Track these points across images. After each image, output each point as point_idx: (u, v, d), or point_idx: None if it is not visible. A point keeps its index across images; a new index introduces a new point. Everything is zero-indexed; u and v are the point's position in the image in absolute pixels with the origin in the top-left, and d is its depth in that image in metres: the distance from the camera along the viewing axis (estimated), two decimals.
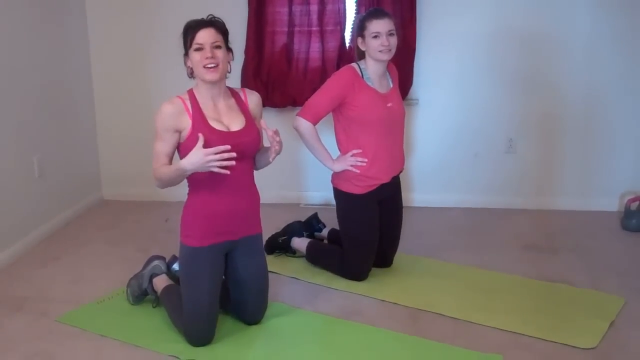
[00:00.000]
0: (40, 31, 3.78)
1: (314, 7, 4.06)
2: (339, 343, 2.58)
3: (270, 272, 2.79)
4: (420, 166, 4.27)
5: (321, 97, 3.00)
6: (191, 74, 2.53)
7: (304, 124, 2.98)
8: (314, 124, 2.99)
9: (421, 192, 4.32)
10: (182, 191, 2.60)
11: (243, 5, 4.08)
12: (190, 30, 2.45)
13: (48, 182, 3.83)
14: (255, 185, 2.64)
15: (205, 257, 2.50)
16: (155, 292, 2.83)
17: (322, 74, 4.04)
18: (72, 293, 3.03)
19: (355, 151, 3.01)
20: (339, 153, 3.10)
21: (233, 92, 2.61)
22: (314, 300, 2.94)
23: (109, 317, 2.79)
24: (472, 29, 4.05)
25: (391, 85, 3.12)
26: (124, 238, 3.78)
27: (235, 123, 2.51)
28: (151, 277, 2.85)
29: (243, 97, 2.62)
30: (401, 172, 3.23)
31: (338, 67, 3.92)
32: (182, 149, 2.46)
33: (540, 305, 2.86)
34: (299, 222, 3.50)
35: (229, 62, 2.52)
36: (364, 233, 3.06)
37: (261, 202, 2.67)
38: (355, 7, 4.03)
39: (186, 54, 2.48)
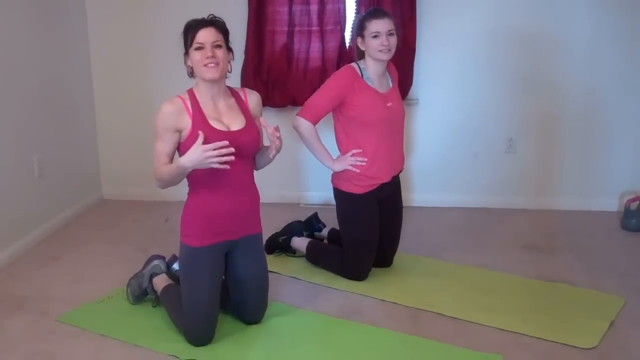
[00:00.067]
0: (40, 31, 3.78)
1: (314, 7, 4.05)
2: (339, 343, 2.58)
3: (270, 271, 2.79)
4: (420, 166, 4.28)
5: (321, 97, 3.00)
6: (191, 74, 2.53)
7: (303, 124, 2.98)
8: (314, 123, 2.99)
9: (421, 191, 4.32)
10: (182, 191, 2.60)
11: (243, 5, 4.08)
12: (191, 29, 2.45)
13: (48, 181, 3.83)
14: (255, 185, 2.64)
15: (205, 256, 2.50)
16: (155, 291, 2.83)
17: (322, 74, 4.04)
18: (72, 292, 3.03)
19: (355, 151, 3.01)
20: (338, 153, 3.10)
21: (233, 92, 2.62)
22: (314, 300, 2.94)
23: (109, 317, 2.79)
24: (472, 28, 4.05)
25: (391, 85, 3.12)
26: (124, 237, 3.78)
27: (236, 123, 2.51)
28: (151, 276, 2.85)
29: (243, 97, 2.62)
30: (401, 171, 3.23)
31: (338, 66, 3.92)
32: (182, 148, 2.46)
33: (540, 305, 2.87)
34: (299, 221, 3.51)
35: (229, 62, 2.52)
36: (364, 233, 3.06)
37: (261, 201, 2.67)
38: (355, 7, 4.02)
39: (186, 53, 2.48)
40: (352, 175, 3.02)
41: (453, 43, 4.09)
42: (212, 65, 2.42)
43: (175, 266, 2.86)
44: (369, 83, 3.00)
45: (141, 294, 2.87)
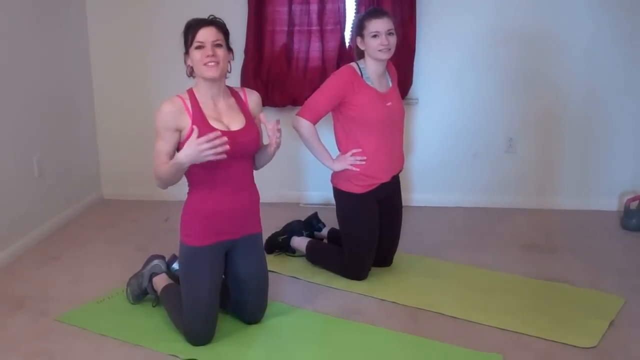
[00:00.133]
0: (41, 31, 3.78)
1: (314, 7, 4.06)
2: (338, 342, 2.58)
3: (270, 271, 2.79)
4: (420, 166, 4.28)
5: (321, 97, 3.00)
6: (191, 73, 2.53)
7: (303, 124, 2.98)
8: (314, 123, 2.99)
9: (421, 191, 4.32)
10: (182, 190, 2.60)
11: (243, 5, 4.08)
12: (192, 28, 2.45)
13: (48, 181, 3.83)
14: (255, 185, 2.64)
15: (205, 256, 2.50)
16: (155, 291, 2.83)
17: (322, 74, 4.04)
18: (72, 292, 3.03)
19: (355, 150, 3.01)
20: (338, 152, 3.10)
21: (233, 92, 2.62)
22: (313, 299, 2.94)
23: (108, 317, 2.79)
24: (472, 28, 4.05)
25: (390, 85, 3.12)
26: (123, 237, 3.78)
27: (235, 122, 2.51)
28: (151, 276, 2.85)
29: (243, 97, 2.62)
30: (401, 171, 3.23)
31: (338, 66, 3.92)
32: (182, 147, 2.45)
33: (540, 305, 2.87)
34: (299, 221, 3.51)
35: (229, 62, 2.52)
36: (364, 232, 3.05)
37: (261, 201, 2.67)
38: (355, 7, 4.02)
39: (186, 53, 2.48)
40: (352, 174, 3.02)
41: (453, 43, 4.09)
42: (213, 64, 2.42)
43: (175, 266, 2.86)
44: (369, 83, 3.00)
45: (141, 293, 2.87)
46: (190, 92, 2.50)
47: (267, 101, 4.07)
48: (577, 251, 3.51)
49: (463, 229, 3.91)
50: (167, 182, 2.45)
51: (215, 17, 2.50)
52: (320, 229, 3.55)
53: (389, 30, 2.94)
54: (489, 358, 2.44)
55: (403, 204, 3.27)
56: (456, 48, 4.10)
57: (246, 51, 4.10)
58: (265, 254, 2.76)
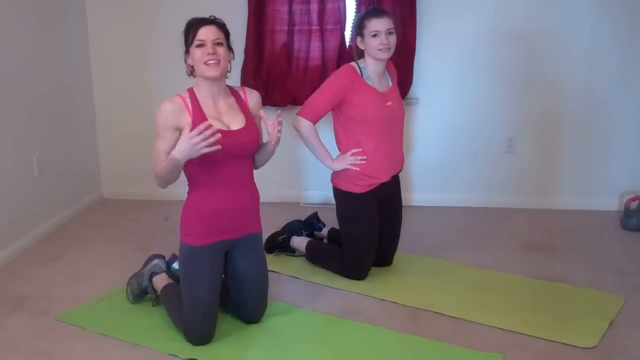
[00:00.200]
0: (40, 30, 3.77)
1: (314, 6, 4.06)
2: (338, 342, 2.58)
3: (270, 271, 2.79)
4: (420, 165, 4.28)
5: (321, 96, 3.00)
6: (191, 73, 2.53)
7: (304, 123, 2.98)
8: (314, 123, 2.99)
9: (421, 191, 4.32)
10: (182, 190, 2.60)
11: (243, 4, 4.08)
12: (192, 27, 2.45)
13: (48, 180, 3.82)
14: (254, 184, 2.64)
15: (205, 256, 2.50)
16: (155, 291, 2.83)
17: (322, 73, 4.04)
18: (72, 292, 3.03)
19: (355, 150, 3.01)
20: (338, 152, 3.10)
21: (233, 91, 2.61)
22: (313, 299, 2.94)
23: (108, 316, 2.78)
24: (472, 28, 4.05)
25: (390, 84, 3.12)
26: (123, 237, 3.78)
27: (236, 122, 2.51)
28: (151, 275, 2.85)
29: (243, 96, 2.62)
30: (401, 171, 3.23)
31: (338, 66, 3.92)
32: None
33: (540, 305, 2.87)
34: (299, 221, 3.50)
35: (229, 62, 2.52)
36: (364, 232, 3.05)
37: (261, 200, 2.67)
38: (355, 6, 4.02)
39: (187, 52, 2.48)
40: (352, 174, 3.02)
41: (453, 42, 4.09)
42: (213, 62, 2.42)
43: (175, 265, 2.86)
44: (369, 82, 3.00)
45: (141, 293, 2.87)
46: (191, 92, 2.50)
47: (268, 101, 4.07)
48: (577, 251, 3.51)
49: (463, 228, 3.91)
50: (165, 180, 2.45)
51: (216, 18, 2.50)
52: (320, 229, 3.55)
53: (388, 29, 2.94)
54: (489, 358, 2.44)
55: (403, 203, 3.27)
56: (456, 48, 4.10)
57: (246, 51, 4.10)
58: (265, 253, 2.76)
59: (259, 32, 4.10)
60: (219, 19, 2.50)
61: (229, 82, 2.60)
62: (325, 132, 3.15)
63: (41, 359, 2.46)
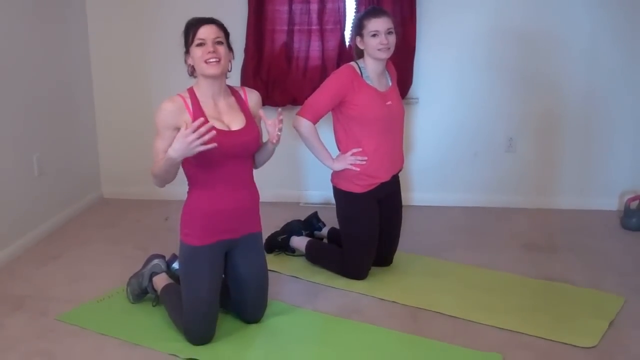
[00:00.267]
0: (40, 30, 3.77)
1: (314, 6, 4.06)
2: (338, 342, 2.58)
3: (270, 270, 2.79)
4: (420, 165, 4.28)
5: (321, 96, 3.00)
6: (192, 73, 2.53)
7: (304, 123, 2.98)
8: (314, 123, 2.99)
9: (421, 191, 4.32)
10: (182, 190, 2.60)
11: (243, 4, 4.07)
12: (192, 27, 2.45)
13: (48, 180, 3.82)
14: (254, 184, 2.64)
15: (205, 255, 2.50)
16: (155, 290, 2.83)
17: (322, 73, 4.04)
18: (72, 292, 3.03)
19: (355, 150, 3.01)
20: (338, 152, 3.10)
21: (233, 91, 2.61)
22: (313, 299, 2.94)
23: (109, 316, 2.79)
24: (472, 27, 4.05)
25: (390, 84, 3.12)
26: (123, 236, 3.78)
27: (236, 122, 2.50)
28: (151, 275, 2.85)
29: (243, 96, 2.62)
30: (400, 170, 3.23)
31: (338, 65, 3.92)
32: None
33: (540, 304, 2.87)
34: (299, 220, 3.50)
35: (230, 62, 2.52)
36: (364, 232, 3.05)
37: (261, 200, 2.67)
38: (355, 6, 4.02)
39: (187, 52, 2.48)
40: (352, 174, 3.02)
41: (453, 42, 4.09)
42: (214, 61, 2.42)
43: (175, 265, 2.86)
44: (369, 82, 3.00)
45: (141, 293, 2.87)
46: (191, 91, 2.50)
47: (267, 100, 4.06)
48: (577, 251, 3.51)
49: (463, 228, 3.91)
50: (163, 179, 2.45)
51: (215, 19, 2.50)
52: (320, 229, 3.55)
53: (388, 29, 2.94)
54: (489, 357, 2.44)
55: (403, 203, 3.27)
56: (456, 47, 4.10)
57: (246, 50, 4.10)
58: (265, 253, 2.76)
59: (259, 31, 4.10)
60: (218, 20, 2.50)
61: (229, 82, 2.60)
62: (326, 132, 3.15)
63: (41, 358, 2.46)
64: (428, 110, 4.20)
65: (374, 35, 2.92)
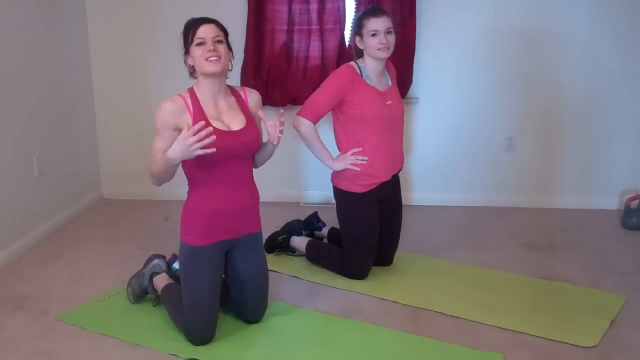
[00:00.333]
0: (40, 29, 3.77)
1: (314, 6, 4.06)
2: (339, 342, 2.58)
3: (270, 270, 2.79)
4: (420, 165, 4.28)
5: (321, 96, 2.99)
6: (192, 73, 2.53)
7: (304, 123, 2.98)
8: (314, 122, 2.99)
9: (421, 190, 4.33)
10: (182, 190, 2.60)
11: (243, 4, 4.07)
12: (191, 26, 2.45)
13: (48, 180, 3.82)
14: (254, 184, 2.63)
15: (205, 255, 2.50)
16: (155, 290, 2.83)
17: (322, 73, 4.04)
18: (73, 292, 3.03)
19: (355, 149, 3.01)
20: (338, 152, 3.10)
21: (233, 91, 2.61)
22: (314, 299, 2.94)
23: (109, 316, 2.78)
24: (471, 27, 4.05)
25: (390, 84, 3.12)
26: (124, 236, 3.78)
27: (236, 122, 2.50)
28: (151, 275, 2.85)
29: (243, 96, 2.61)
30: (401, 170, 3.23)
31: (338, 65, 3.91)
32: None
33: (540, 304, 2.87)
34: (299, 220, 3.50)
35: (230, 61, 2.52)
36: (364, 232, 3.05)
37: (261, 200, 2.67)
38: (355, 6, 4.02)
39: (187, 52, 2.48)
40: (352, 174, 3.02)
41: (453, 42, 4.09)
42: (214, 58, 2.41)
43: (176, 265, 2.86)
44: (368, 81, 3.00)
45: (141, 293, 2.87)
46: (191, 91, 2.50)
47: (267, 100, 4.06)
48: (577, 250, 3.51)
49: (463, 228, 3.91)
50: (160, 179, 2.45)
51: (214, 19, 2.50)
52: (320, 229, 3.55)
53: (387, 28, 2.94)
54: (490, 357, 2.44)
55: (403, 203, 3.27)
56: (456, 47, 4.10)
57: (246, 50, 4.10)
58: (265, 253, 2.76)
59: (259, 31, 4.10)
60: (216, 19, 2.50)
61: (228, 82, 2.60)
62: (326, 132, 3.14)
63: (41, 358, 2.46)
64: (428, 110, 4.20)
65: (373, 35, 2.92)
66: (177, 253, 2.65)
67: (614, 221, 3.97)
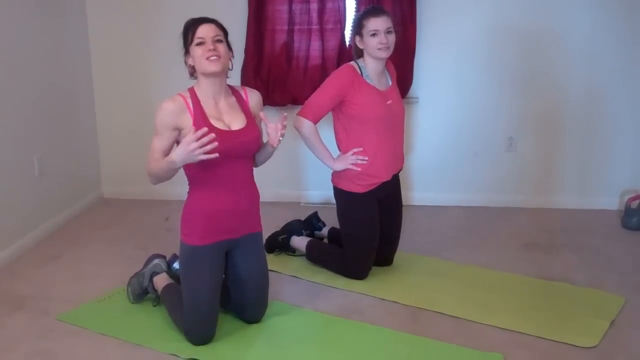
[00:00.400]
0: (41, 29, 3.77)
1: (314, 6, 4.06)
2: (339, 342, 2.58)
3: (270, 270, 2.79)
4: (420, 165, 4.27)
5: (321, 96, 2.99)
6: (192, 74, 2.53)
7: (305, 124, 2.98)
8: (315, 123, 2.99)
9: (421, 190, 4.32)
10: (182, 190, 2.60)
11: (243, 4, 4.07)
12: (191, 26, 2.45)
13: (48, 180, 3.82)
14: (255, 184, 2.63)
15: (206, 255, 2.50)
16: (155, 290, 2.83)
17: (322, 73, 4.04)
18: (73, 292, 3.03)
19: (356, 149, 3.01)
20: (338, 152, 3.10)
21: (234, 91, 2.61)
22: (314, 299, 2.94)
23: (109, 316, 2.79)
24: (472, 27, 4.05)
25: (390, 83, 3.12)
26: (124, 236, 3.78)
27: (236, 122, 2.50)
28: (152, 275, 2.85)
29: (244, 96, 2.62)
30: (401, 170, 3.23)
31: (338, 65, 3.91)
32: None
33: (541, 304, 2.86)
34: (299, 220, 3.50)
35: (230, 60, 2.52)
36: (365, 232, 3.05)
37: (261, 200, 2.67)
38: (355, 6, 4.02)
39: (187, 52, 2.48)
40: (353, 174, 3.02)
41: (453, 42, 4.09)
42: (214, 58, 2.41)
43: (176, 265, 2.86)
44: (369, 81, 3.00)
45: (142, 293, 2.87)
46: (192, 91, 2.50)
47: (268, 100, 4.06)
48: (577, 250, 3.51)
49: (463, 228, 3.91)
50: (159, 178, 2.45)
51: (213, 18, 2.50)
52: (320, 229, 3.55)
53: (387, 28, 2.93)
54: (490, 357, 2.44)
55: (403, 203, 3.27)
56: (456, 47, 4.10)
57: (246, 50, 4.10)
58: (266, 253, 2.76)
59: (259, 31, 4.10)
60: (216, 19, 2.50)
61: (229, 82, 2.60)
62: (326, 132, 3.14)
63: (42, 358, 2.46)
64: (428, 110, 4.20)
65: (373, 35, 2.92)
66: (178, 253, 2.66)
67: (614, 221, 3.96)
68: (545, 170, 4.24)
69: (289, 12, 4.07)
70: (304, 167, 4.35)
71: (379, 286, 3.04)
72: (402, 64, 3.83)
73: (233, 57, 2.56)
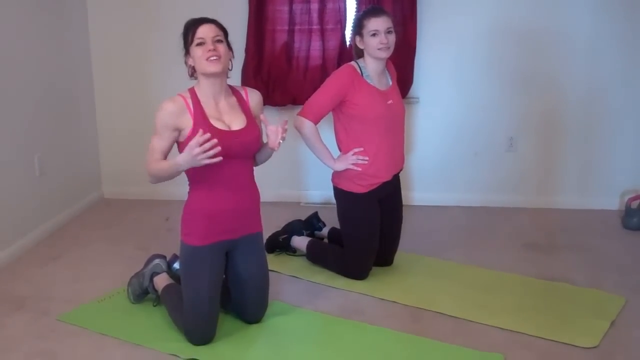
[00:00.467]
0: (41, 29, 3.77)
1: (315, 6, 4.06)
2: (339, 342, 2.58)
3: (271, 270, 2.79)
4: (421, 165, 4.27)
5: (321, 96, 2.99)
6: (192, 74, 2.53)
7: (305, 124, 2.98)
8: (315, 123, 2.99)
9: (421, 190, 4.32)
10: (182, 190, 2.60)
11: (243, 4, 4.07)
12: (191, 27, 2.45)
13: (49, 180, 3.83)
14: (255, 184, 2.64)
15: (206, 255, 2.50)
16: (156, 290, 2.83)
17: (323, 73, 4.04)
18: (73, 292, 3.03)
19: (356, 149, 3.01)
20: (339, 152, 3.10)
21: (234, 91, 2.61)
22: (314, 299, 2.94)
23: (109, 316, 2.79)
24: (472, 27, 4.05)
25: (390, 83, 3.12)
26: (124, 236, 3.78)
27: (237, 122, 2.50)
28: (152, 275, 2.85)
29: (244, 96, 2.62)
30: (401, 170, 3.23)
31: (338, 65, 3.91)
32: (182, 147, 2.45)
33: (541, 304, 2.86)
34: (299, 220, 3.50)
35: (230, 60, 2.52)
36: (365, 232, 3.05)
37: (261, 200, 2.67)
38: (355, 6, 4.02)
39: (187, 53, 2.48)
40: (353, 174, 3.02)
41: (453, 41, 4.09)
42: (215, 58, 2.41)
43: (176, 265, 2.86)
44: (369, 81, 3.00)
45: (142, 293, 2.87)
46: (192, 91, 2.50)
47: (268, 100, 4.06)
48: (577, 250, 3.51)
49: (463, 228, 3.91)
50: (160, 179, 2.46)
51: (213, 19, 2.50)
52: (320, 229, 3.55)
53: (388, 28, 2.94)
54: (490, 357, 2.44)
55: (403, 203, 3.27)
56: (457, 47, 4.10)
57: (247, 50, 4.10)
58: (266, 253, 2.76)
59: (259, 32, 4.10)
60: (216, 19, 2.50)
61: (229, 82, 2.60)
62: (326, 133, 3.14)
63: (42, 358, 2.46)
64: (428, 110, 4.20)
65: (373, 35, 2.92)
66: (178, 253, 2.66)
67: (615, 221, 3.96)
68: (545, 170, 4.24)
69: (289, 12, 4.08)
70: (305, 167, 4.35)
71: (379, 286, 3.04)
72: (402, 64, 3.83)
73: (233, 57, 2.56)
